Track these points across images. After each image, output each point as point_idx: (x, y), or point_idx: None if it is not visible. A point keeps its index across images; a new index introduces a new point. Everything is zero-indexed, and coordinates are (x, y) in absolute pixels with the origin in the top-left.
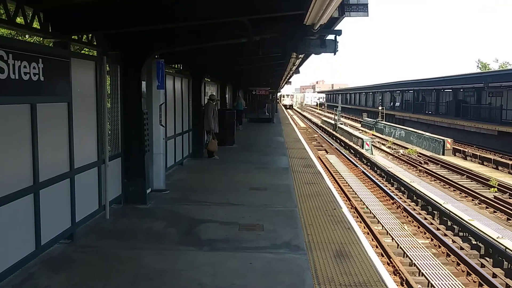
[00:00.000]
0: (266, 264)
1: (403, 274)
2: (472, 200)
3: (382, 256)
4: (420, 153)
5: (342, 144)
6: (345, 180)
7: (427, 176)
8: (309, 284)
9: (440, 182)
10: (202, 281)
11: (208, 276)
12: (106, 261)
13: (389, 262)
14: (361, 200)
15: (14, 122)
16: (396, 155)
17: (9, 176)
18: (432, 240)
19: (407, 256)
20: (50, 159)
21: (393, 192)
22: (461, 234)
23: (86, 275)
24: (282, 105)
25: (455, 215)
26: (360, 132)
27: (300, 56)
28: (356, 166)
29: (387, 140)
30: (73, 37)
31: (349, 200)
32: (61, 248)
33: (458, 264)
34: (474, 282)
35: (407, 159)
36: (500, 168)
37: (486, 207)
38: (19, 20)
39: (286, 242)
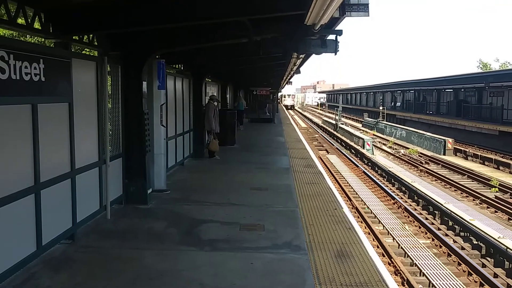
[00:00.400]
0: (267, 264)
1: (404, 274)
2: (473, 200)
3: (383, 256)
4: (421, 153)
5: (343, 144)
6: (346, 180)
7: (428, 176)
8: (310, 284)
9: (441, 182)
10: (203, 281)
11: (209, 276)
12: (107, 261)
13: (390, 262)
14: (362, 200)
15: (15, 123)
16: (397, 155)
17: (10, 176)
18: (433, 240)
19: (408, 256)
20: (51, 159)
21: (394, 192)
22: (462, 234)
23: (87, 275)
24: (283, 105)
25: (456, 215)
26: (361, 132)
27: (301, 56)
28: (357, 166)
29: (388, 140)
30: (74, 37)
31: (350, 200)
32: (62, 248)
33: (459, 264)
34: (475, 282)
35: (408, 159)
36: (501, 168)
37: (487, 207)
38: (21, 21)
39: (287, 242)
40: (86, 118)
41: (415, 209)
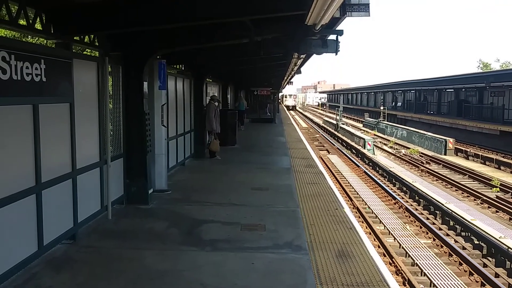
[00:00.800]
0: (268, 264)
1: (405, 274)
2: (474, 200)
3: (384, 256)
4: (422, 153)
5: (344, 144)
6: (347, 180)
7: (429, 176)
8: (311, 284)
9: (442, 182)
10: (204, 281)
11: (210, 276)
12: (108, 261)
13: (391, 262)
14: (363, 200)
15: (16, 123)
16: (398, 155)
17: (11, 177)
18: (434, 240)
19: (409, 256)
20: (52, 160)
21: (395, 192)
22: (463, 234)
23: (88, 275)
24: (284, 106)
25: (457, 215)
26: (362, 132)
27: (301, 56)
28: (358, 166)
29: (389, 140)
30: (75, 38)
31: (351, 200)
32: (64, 248)
33: (460, 264)
34: (477, 282)
35: (409, 159)
36: (502, 167)
37: (488, 207)
38: (22, 22)
39: (288, 242)
40: (87, 119)
41: (416, 209)
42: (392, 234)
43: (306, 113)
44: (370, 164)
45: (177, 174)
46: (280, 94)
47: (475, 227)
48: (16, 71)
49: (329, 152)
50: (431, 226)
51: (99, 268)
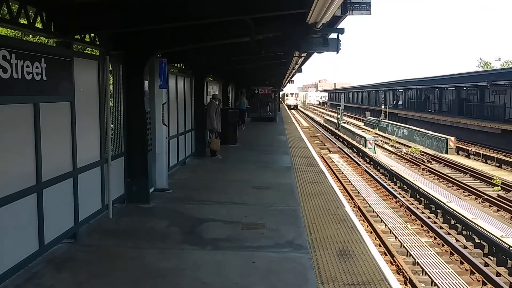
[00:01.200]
0: (269, 263)
1: (406, 273)
2: (476, 198)
3: (385, 255)
4: (423, 152)
5: (345, 143)
6: (348, 179)
7: (430, 174)
8: (313, 283)
9: (443, 181)
10: (205, 280)
11: (211, 275)
12: (109, 260)
13: (392, 261)
14: (364, 199)
15: (17, 122)
16: (399, 153)
17: (12, 176)
18: (435, 239)
19: (410, 255)
20: (53, 159)
21: (396, 190)
22: (464, 232)
23: (89, 274)
24: (285, 105)
25: (459, 213)
26: (363, 131)
27: (302, 54)
28: (359, 165)
29: (390, 139)
30: (75, 36)
31: (352, 199)
32: (64, 247)
33: (461, 263)
34: (478, 281)
35: (410, 158)
36: (503, 166)
37: (490, 206)
38: (23, 21)
39: (289, 241)
40: (88, 117)
41: (417, 208)
42: (393, 233)
43: (307, 112)
44: (371, 162)
45: (178, 173)
46: (281, 93)
47: (476, 226)
48: (16, 70)
49: (330, 151)
50: (432, 225)
51: (100, 267)
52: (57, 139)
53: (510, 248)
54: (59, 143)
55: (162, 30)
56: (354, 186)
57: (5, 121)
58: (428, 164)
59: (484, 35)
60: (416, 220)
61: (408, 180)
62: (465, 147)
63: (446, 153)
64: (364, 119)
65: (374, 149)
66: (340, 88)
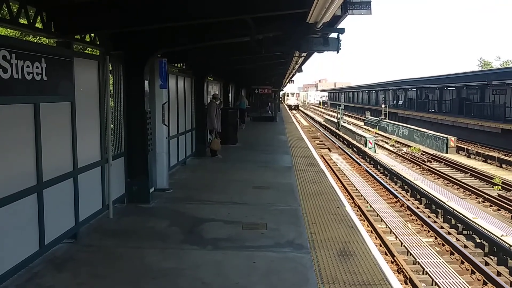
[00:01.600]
0: (270, 263)
1: (407, 272)
2: (476, 198)
3: (386, 254)
4: (423, 151)
5: (345, 142)
6: (348, 179)
7: (430, 174)
8: (313, 282)
9: (443, 180)
10: (205, 280)
11: (212, 275)
12: (109, 260)
13: (393, 260)
14: (364, 198)
15: (17, 122)
16: (399, 153)
17: (12, 176)
18: (436, 238)
19: (411, 254)
20: (53, 159)
21: (396, 190)
22: (465, 232)
23: (89, 274)
24: (286, 105)
25: (459, 213)
26: (363, 131)
27: (302, 54)
28: (359, 165)
29: (390, 139)
30: (75, 36)
31: (352, 198)
32: (65, 247)
33: (462, 263)
34: (479, 280)
35: (410, 157)
36: (504, 166)
37: (490, 205)
38: (23, 21)
39: (290, 241)
40: (88, 117)
41: (418, 208)
42: (393, 233)
43: (307, 112)
44: (372, 162)
45: (178, 172)
46: (281, 93)
47: (476, 226)
48: (17, 70)
49: (330, 151)
50: (433, 224)
51: (100, 267)
52: (57, 139)
53: (511, 248)
54: (59, 143)
55: (162, 30)
56: (354, 186)
57: (5, 121)
58: (429, 164)
59: (484, 34)
60: (416, 220)
61: (409, 180)
62: (465, 147)
63: (447, 152)
64: (365, 118)
65: (375, 149)
66: (340, 87)
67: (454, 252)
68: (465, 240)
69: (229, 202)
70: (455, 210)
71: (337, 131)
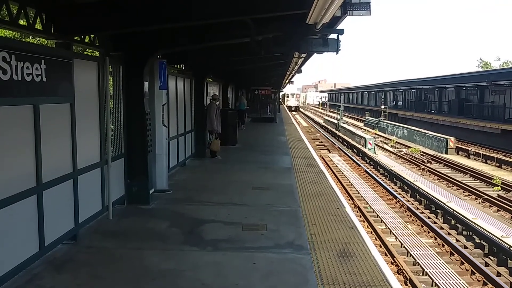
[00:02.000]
0: (270, 264)
1: (407, 273)
2: (476, 198)
3: (386, 255)
4: (423, 152)
5: (345, 143)
6: (348, 180)
7: (430, 175)
8: (313, 283)
9: (443, 181)
10: (205, 281)
11: (212, 276)
12: (109, 261)
13: (392, 261)
14: (364, 199)
15: (17, 123)
16: (399, 154)
17: (12, 177)
18: (435, 239)
19: (410, 255)
20: (53, 160)
21: (396, 191)
22: (464, 233)
23: (89, 275)
24: (286, 106)
25: (459, 214)
26: (362, 131)
27: (302, 55)
28: (359, 166)
29: (390, 139)
30: (75, 38)
31: (352, 199)
32: (65, 248)
33: (462, 263)
34: (478, 281)
35: (410, 158)
36: (503, 166)
37: (490, 206)
38: (22, 22)
39: (290, 242)
40: (88, 119)
41: (418, 208)
42: (393, 234)
43: (306, 113)
44: (371, 163)
45: (178, 174)
46: (281, 94)
47: (476, 226)
48: (16, 72)
49: (330, 152)
50: (433, 225)
51: (100, 269)
52: (57, 140)
53: (511, 248)
54: (59, 145)
55: (162, 31)
56: (354, 187)
57: (5, 123)
58: (428, 164)
59: (484, 35)
60: (416, 221)
61: (408, 181)
62: (465, 147)
63: (446, 153)
64: (364, 119)
65: (374, 150)
66: (339, 88)
67: (454, 253)
68: (465, 241)
69: (229, 203)
70: (455, 211)
71: (336, 132)
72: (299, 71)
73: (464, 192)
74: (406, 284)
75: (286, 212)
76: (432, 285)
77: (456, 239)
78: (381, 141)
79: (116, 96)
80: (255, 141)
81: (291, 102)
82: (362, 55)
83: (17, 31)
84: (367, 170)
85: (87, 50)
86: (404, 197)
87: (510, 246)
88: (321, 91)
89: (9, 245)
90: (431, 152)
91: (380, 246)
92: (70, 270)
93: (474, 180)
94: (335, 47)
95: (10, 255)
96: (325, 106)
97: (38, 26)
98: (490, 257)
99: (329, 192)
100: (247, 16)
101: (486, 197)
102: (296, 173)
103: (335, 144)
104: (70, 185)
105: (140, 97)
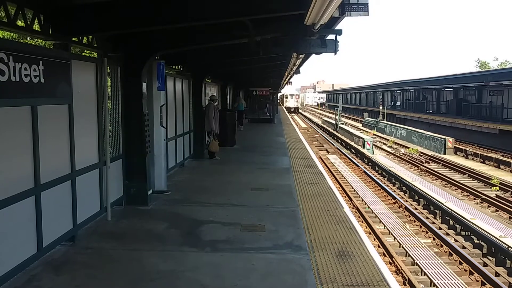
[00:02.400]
0: (268, 265)
1: (405, 273)
2: (474, 199)
3: (384, 255)
4: (421, 152)
5: (343, 144)
6: (346, 180)
7: (428, 175)
8: (312, 284)
9: (441, 181)
10: (204, 282)
11: (210, 277)
12: (108, 262)
13: (391, 261)
14: (362, 200)
15: (15, 124)
16: (398, 154)
17: (10, 178)
18: (434, 239)
19: (409, 255)
20: (51, 161)
21: (394, 191)
22: (463, 233)
23: (88, 276)
24: (285, 108)
25: (457, 214)
26: (361, 132)
27: (300, 56)
28: (358, 166)
29: (388, 140)
30: (73, 39)
31: (351, 200)
32: (63, 250)
33: (460, 263)
34: (477, 281)
35: (408, 159)
36: (501, 166)
37: (488, 206)
38: (20, 23)
39: (288, 242)
40: (86, 120)
41: (416, 209)
42: (392, 234)
43: (305, 113)
44: (370, 163)
45: (177, 174)
46: (280, 94)
47: (475, 226)
48: (14, 73)
49: (328, 152)
50: (431, 225)
51: (98, 270)
52: (55, 141)
53: (509, 248)
54: (57, 146)
55: (160, 32)
56: (352, 187)
57: (2, 124)
58: (427, 165)
59: (482, 35)
60: (414, 221)
61: (407, 181)
62: (463, 148)
63: (444, 153)
64: (362, 120)
65: (373, 150)
66: (338, 89)
67: (453, 253)
68: (464, 241)
69: (228, 204)
70: (453, 211)
71: (335, 132)
72: (297, 71)
73: (462, 192)
74: (405, 284)
75: (285, 212)
76: (430, 285)
77: (454, 239)
78: (380, 141)
79: (114, 97)
80: (253, 141)
81: (290, 103)
82: (361, 55)
83: (15, 32)
84: (366, 170)
85: (85, 51)
86: (402, 197)
87: (509, 246)
88: (319, 92)
89: (7, 246)
90: (430, 153)
91: (379, 247)
92: (68, 271)
93: (473, 180)
94: (333, 47)
95: (8, 256)
96: (324, 107)
97: (36, 27)
98: (489, 257)
99: (327, 193)
100: (245, 17)
101: (485, 197)
102: (294, 174)
103: (333, 145)
104: (68, 186)
105: (139, 98)
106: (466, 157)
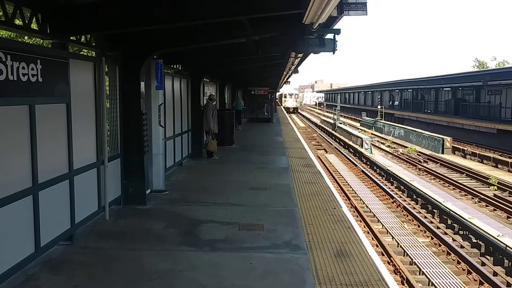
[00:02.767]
0: (267, 264)
1: (403, 273)
2: (472, 198)
3: (383, 255)
4: (419, 152)
5: (342, 143)
6: (344, 180)
7: (426, 174)
8: (310, 283)
9: (439, 181)
10: (202, 281)
11: (209, 277)
12: (106, 262)
13: (389, 261)
14: (361, 199)
15: (13, 124)
16: (396, 154)
17: (8, 178)
18: (432, 238)
19: (407, 255)
20: (49, 161)
21: (392, 191)
22: (461, 232)
23: (86, 276)
24: (284, 108)
25: (455, 213)
26: (359, 131)
27: (299, 55)
28: (356, 165)
29: (386, 139)
30: (71, 38)
31: (349, 199)
32: (61, 249)
33: (458, 263)
34: (475, 280)
35: (406, 158)
36: (499, 166)
37: (486, 205)
38: (18, 22)
39: (287, 241)
40: (84, 119)
41: (414, 208)
42: (390, 233)
43: (303, 113)
44: (368, 163)
45: (175, 174)
46: (278, 94)
47: (473, 226)
48: (12, 72)
49: (326, 152)
50: (429, 225)
51: (96, 269)
52: (53, 140)
53: (507, 248)
54: (55, 145)
55: (159, 31)
56: (351, 187)
57: (0, 123)
58: (425, 164)
59: (480, 35)
60: (413, 220)
61: (405, 180)
62: (461, 147)
63: (443, 153)
64: (361, 119)
65: (371, 150)
66: (336, 88)
67: (451, 252)
68: (462, 240)
69: (226, 203)
70: (451, 211)
71: (333, 132)
72: (295, 71)
73: (460, 191)
74: (403, 284)
75: (283, 212)
76: (428, 285)
77: (452, 238)
78: (378, 141)
79: (112, 96)
80: (252, 141)
81: (289, 103)
82: (359, 54)
83: (13, 31)
84: (364, 170)
85: (83, 50)
86: (400, 197)
87: (507, 245)
88: (317, 91)
89: (5, 246)
90: (428, 152)
91: (377, 246)
92: (66, 271)
93: (471, 179)
94: (331, 47)
95: (6, 255)
96: (322, 106)
97: (34, 26)
98: (487, 256)
99: (326, 192)
100: (243, 16)
101: (483, 196)
102: (293, 173)
103: (331, 144)
104: (66, 185)
105: (137, 97)
106: (464, 157)
